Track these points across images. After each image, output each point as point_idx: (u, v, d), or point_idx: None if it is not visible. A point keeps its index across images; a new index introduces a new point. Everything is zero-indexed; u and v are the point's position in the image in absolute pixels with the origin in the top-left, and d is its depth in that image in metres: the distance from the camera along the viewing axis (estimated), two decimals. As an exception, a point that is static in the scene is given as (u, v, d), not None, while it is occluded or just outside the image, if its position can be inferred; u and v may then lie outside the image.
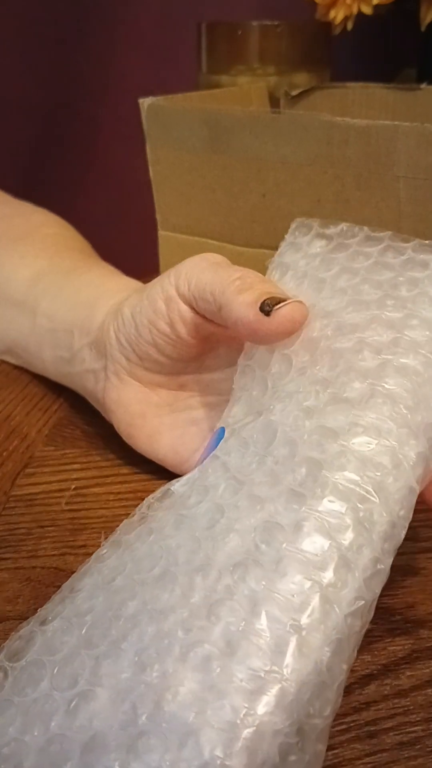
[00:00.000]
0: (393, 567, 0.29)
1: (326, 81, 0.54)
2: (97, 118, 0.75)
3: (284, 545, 0.20)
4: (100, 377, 0.34)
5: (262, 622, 0.19)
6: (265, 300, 0.26)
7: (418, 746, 0.22)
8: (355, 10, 0.52)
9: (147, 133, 0.42)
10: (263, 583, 0.19)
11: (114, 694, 0.18)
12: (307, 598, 0.19)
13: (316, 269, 0.28)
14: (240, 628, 0.19)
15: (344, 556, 0.20)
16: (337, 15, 0.52)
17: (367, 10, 0.51)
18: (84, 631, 0.20)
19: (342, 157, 0.36)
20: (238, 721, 0.17)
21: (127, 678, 0.18)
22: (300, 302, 0.26)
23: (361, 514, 0.21)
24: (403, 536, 0.21)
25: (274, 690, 0.18)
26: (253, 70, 0.51)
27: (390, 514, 0.21)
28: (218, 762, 0.16)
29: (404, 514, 0.22)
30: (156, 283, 0.31)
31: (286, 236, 0.30)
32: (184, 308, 0.30)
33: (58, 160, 0.76)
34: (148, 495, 0.26)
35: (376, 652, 0.25)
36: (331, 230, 0.29)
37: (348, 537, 0.20)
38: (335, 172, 0.36)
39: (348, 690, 0.24)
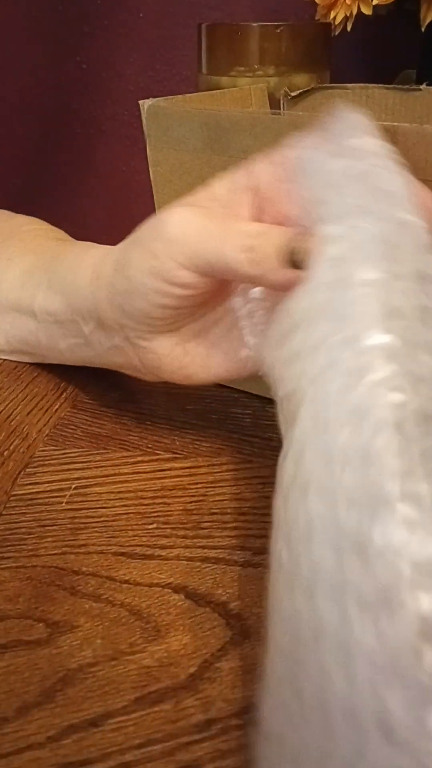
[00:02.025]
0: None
1: (326, 82, 0.54)
2: (97, 119, 0.75)
3: None
4: (126, 349, 0.34)
5: None
6: (292, 252, 0.26)
7: (417, 744, 0.22)
8: (355, 11, 0.52)
9: (147, 134, 0.42)
10: None
11: None
12: None
13: None
14: None
15: None
16: (337, 15, 0.52)
17: (366, 10, 0.51)
18: None
19: (342, 157, 0.36)
20: None
21: None
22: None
23: None
24: None
25: None
26: (253, 71, 0.51)
27: None
28: None
29: None
30: (136, 266, 0.31)
31: None
32: (188, 275, 0.30)
33: (58, 161, 0.76)
34: (148, 494, 0.27)
35: (375, 651, 0.25)
36: None
37: None
38: (335, 172, 0.36)
39: (347, 688, 0.24)
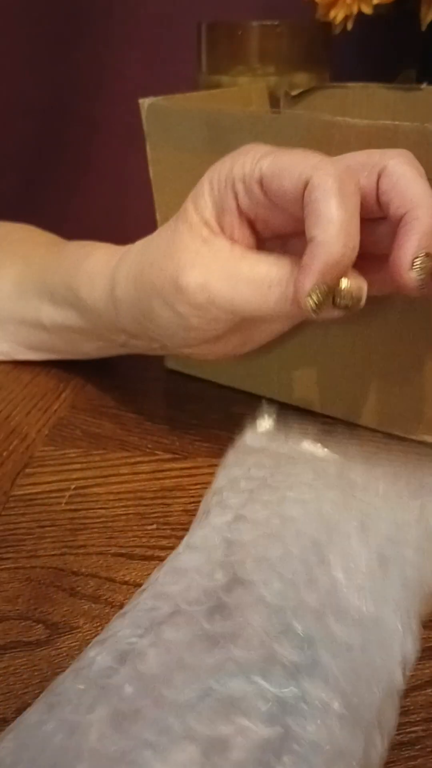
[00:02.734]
0: (393, 567, 0.29)
1: (326, 81, 0.53)
2: (97, 117, 0.75)
3: None
4: (169, 349, 0.35)
5: None
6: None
7: (418, 746, 0.22)
8: (355, 10, 0.51)
9: (147, 133, 0.42)
10: None
11: None
12: None
13: None
14: None
15: None
16: (338, 15, 0.52)
17: (367, 9, 0.51)
18: None
19: (342, 157, 0.36)
20: None
21: None
22: None
23: None
24: None
25: None
26: (253, 70, 0.51)
27: None
28: None
29: None
30: (159, 314, 0.30)
31: None
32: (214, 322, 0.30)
33: (57, 160, 0.76)
34: (148, 495, 0.26)
35: (376, 652, 0.25)
36: None
37: None
38: (335, 172, 0.36)
39: (348, 690, 0.24)
